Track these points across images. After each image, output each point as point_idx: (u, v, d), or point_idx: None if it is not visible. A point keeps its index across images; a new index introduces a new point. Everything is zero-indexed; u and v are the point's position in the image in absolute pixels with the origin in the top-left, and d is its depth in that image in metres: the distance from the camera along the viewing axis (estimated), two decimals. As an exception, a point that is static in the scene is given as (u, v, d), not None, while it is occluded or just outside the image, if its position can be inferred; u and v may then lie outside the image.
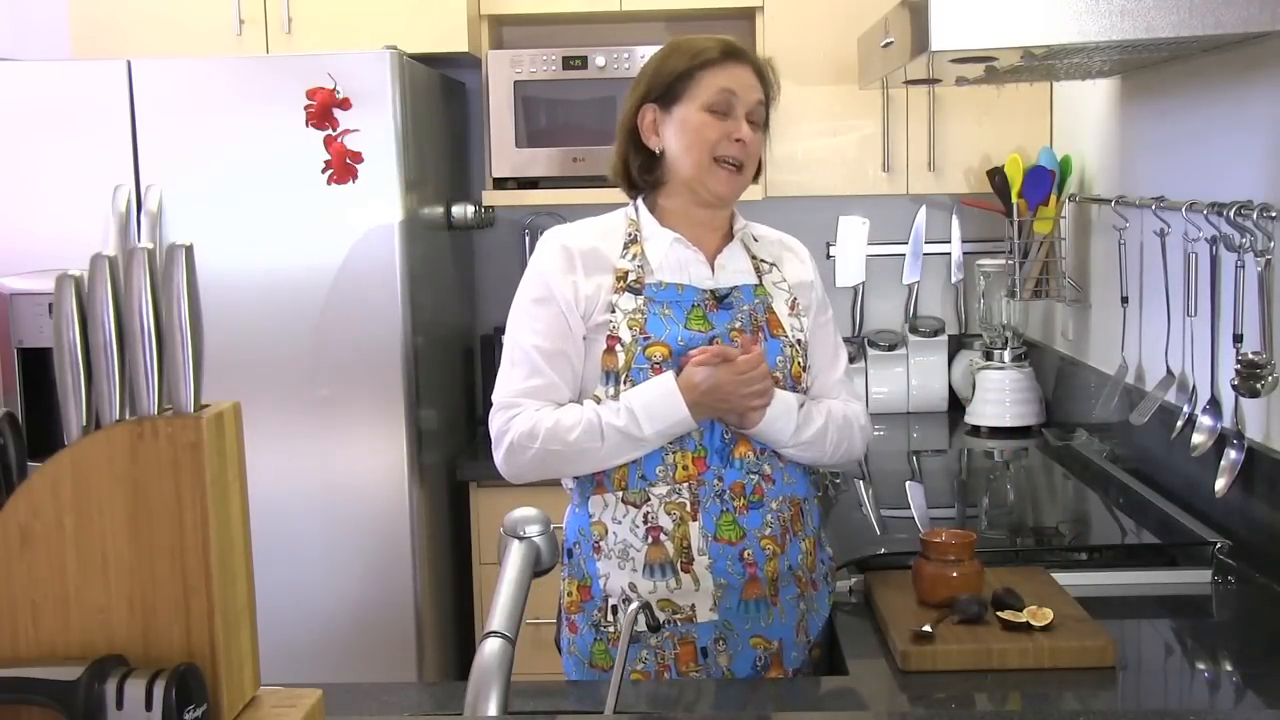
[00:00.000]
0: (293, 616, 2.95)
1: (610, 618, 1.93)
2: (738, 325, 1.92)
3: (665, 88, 1.95)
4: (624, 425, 1.85)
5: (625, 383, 1.88)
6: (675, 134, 1.94)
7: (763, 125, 1.99)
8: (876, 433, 3.40)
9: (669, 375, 1.86)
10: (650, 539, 1.90)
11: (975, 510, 2.73)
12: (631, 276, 1.93)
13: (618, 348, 1.89)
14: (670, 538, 1.89)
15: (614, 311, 1.91)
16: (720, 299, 1.94)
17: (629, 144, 2.00)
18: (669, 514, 1.89)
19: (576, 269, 1.94)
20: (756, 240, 2.04)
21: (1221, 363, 2.22)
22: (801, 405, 1.94)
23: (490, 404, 1.96)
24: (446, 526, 3.25)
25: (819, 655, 2.00)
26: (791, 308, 2.00)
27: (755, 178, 2.02)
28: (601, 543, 1.93)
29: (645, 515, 1.90)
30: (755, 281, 1.98)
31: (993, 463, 3.19)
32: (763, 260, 2.02)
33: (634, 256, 1.95)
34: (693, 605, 1.90)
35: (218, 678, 1.14)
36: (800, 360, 1.96)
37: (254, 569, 1.23)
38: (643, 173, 1.99)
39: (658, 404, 1.85)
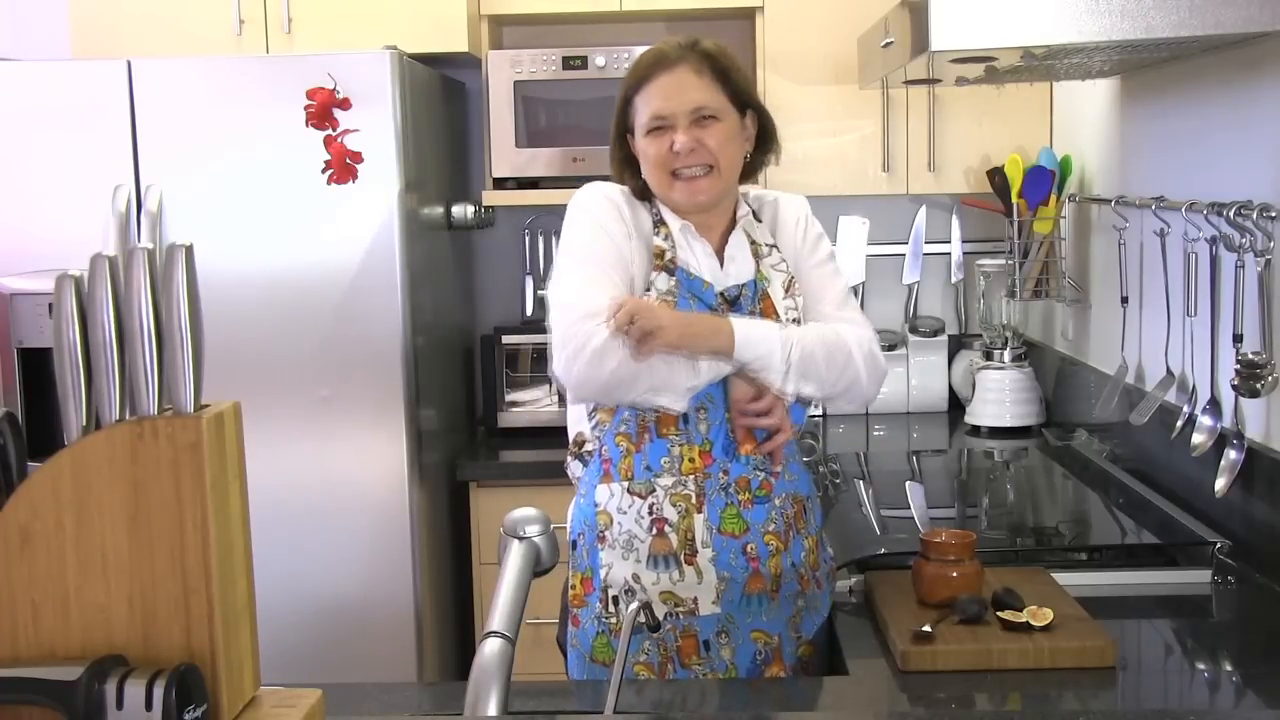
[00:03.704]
0: (293, 616, 2.95)
1: (611, 609, 1.93)
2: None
3: (624, 119, 1.99)
4: None
5: None
6: (640, 161, 1.98)
7: (722, 114, 1.94)
8: (876, 433, 3.40)
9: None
10: (655, 530, 1.90)
11: (975, 510, 2.72)
12: (667, 255, 1.95)
13: None
14: (675, 529, 1.89)
15: (649, 290, 1.92)
16: (731, 301, 1.95)
17: (622, 169, 2.02)
18: (674, 505, 1.90)
19: (625, 223, 1.95)
20: (759, 222, 2.04)
21: (1221, 363, 2.22)
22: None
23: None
24: (446, 526, 3.25)
25: (809, 654, 1.99)
26: (787, 289, 2.00)
27: (766, 155, 2.03)
28: (606, 533, 1.93)
29: (650, 506, 1.90)
30: (754, 269, 1.99)
31: (993, 463, 3.18)
32: (762, 244, 2.02)
33: (666, 236, 1.96)
34: (695, 598, 1.91)
35: (218, 678, 1.13)
36: None
37: (254, 569, 1.23)
38: (647, 192, 2.01)
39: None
